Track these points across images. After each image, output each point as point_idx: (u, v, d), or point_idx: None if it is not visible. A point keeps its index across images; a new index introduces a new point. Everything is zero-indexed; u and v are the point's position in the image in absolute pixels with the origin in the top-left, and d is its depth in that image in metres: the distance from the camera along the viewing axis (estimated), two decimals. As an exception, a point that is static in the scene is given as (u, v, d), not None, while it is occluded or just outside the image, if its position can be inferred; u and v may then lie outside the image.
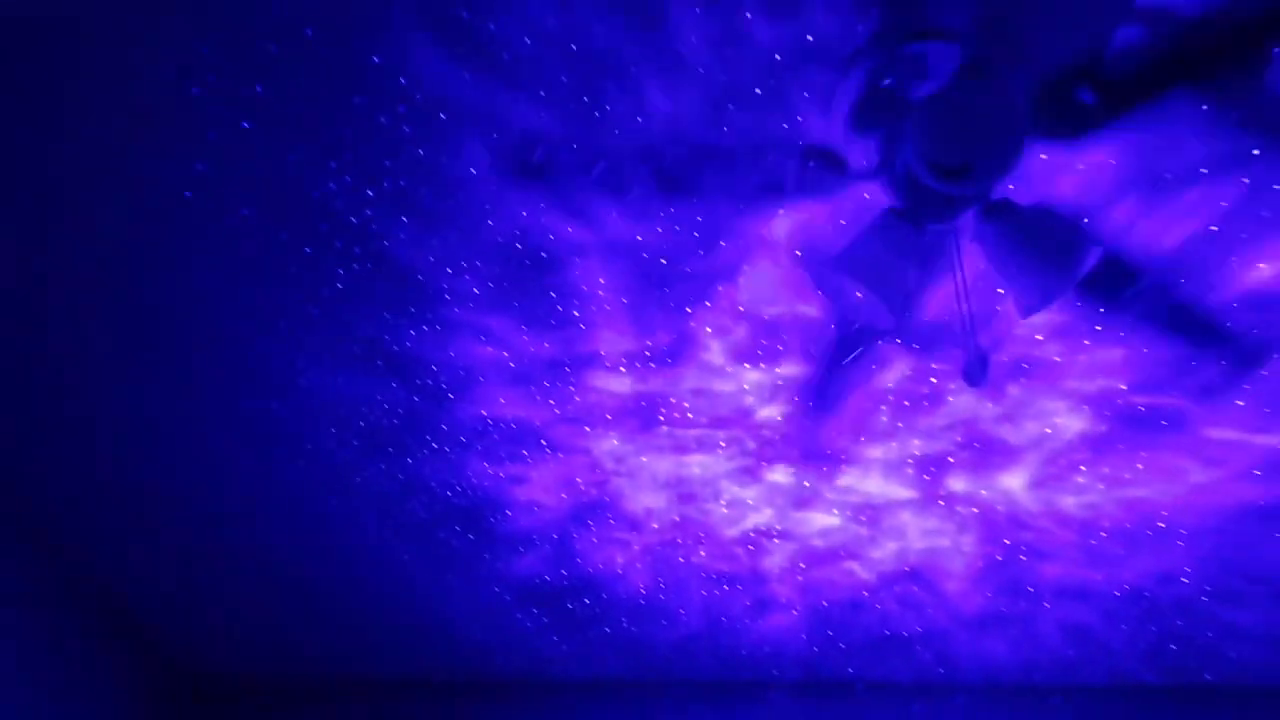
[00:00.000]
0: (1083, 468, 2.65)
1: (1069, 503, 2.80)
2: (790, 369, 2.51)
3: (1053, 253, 1.71)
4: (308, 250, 2.24)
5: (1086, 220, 2.01)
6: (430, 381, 2.63)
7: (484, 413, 2.74)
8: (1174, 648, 3.27)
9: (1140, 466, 2.62)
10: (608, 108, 1.87)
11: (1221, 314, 2.17)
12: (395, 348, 2.53)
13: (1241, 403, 2.35)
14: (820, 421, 2.62)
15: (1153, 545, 2.90)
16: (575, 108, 1.88)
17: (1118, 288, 2.14)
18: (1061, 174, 1.93)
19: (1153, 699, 3.49)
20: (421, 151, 1.97)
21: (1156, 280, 2.11)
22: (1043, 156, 1.88)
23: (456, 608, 3.68)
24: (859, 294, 1.86)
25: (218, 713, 4.31)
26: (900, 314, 1.78)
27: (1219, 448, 2.54)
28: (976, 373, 1.83)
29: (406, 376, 2.62)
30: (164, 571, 3.60)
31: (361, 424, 2.82)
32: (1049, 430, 2.57)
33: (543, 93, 1.85)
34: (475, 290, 2.33)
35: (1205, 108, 1.77)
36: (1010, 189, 1.95)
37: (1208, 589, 3.00)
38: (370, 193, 2.06)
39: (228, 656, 4.18)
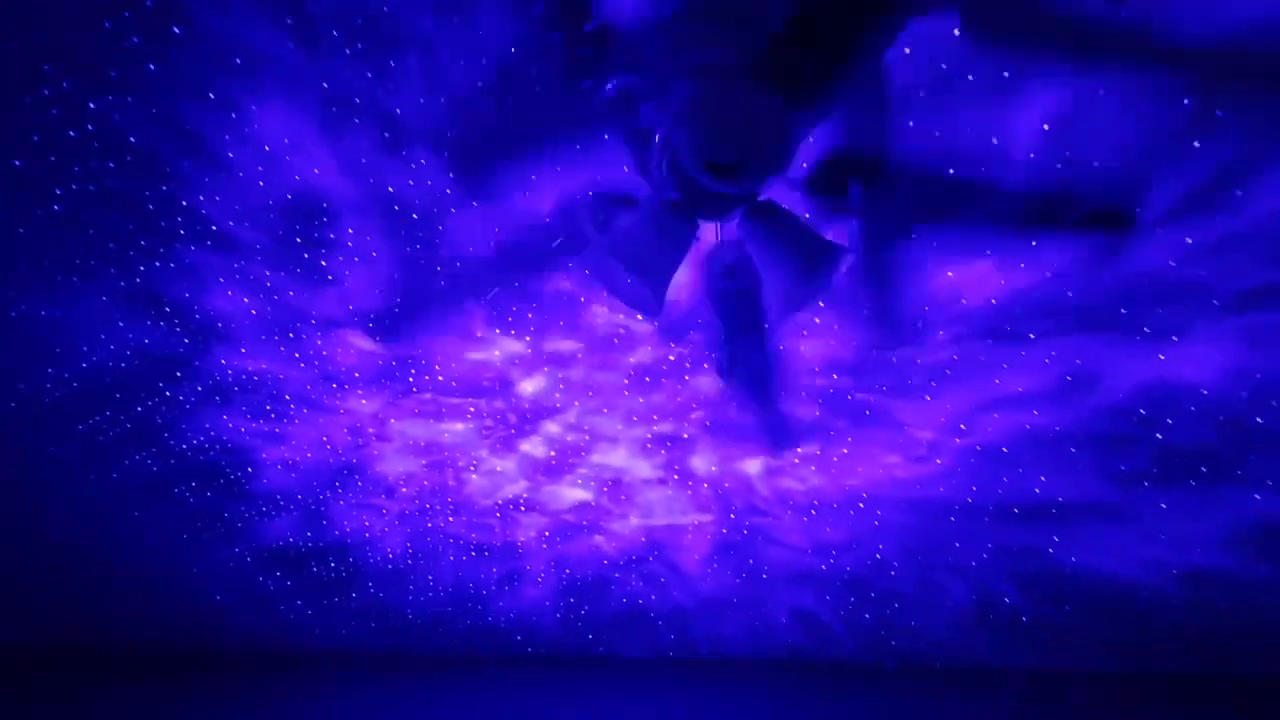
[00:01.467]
0: (799, 451, 2.89)
1: (793, 485, 3.04)
2: (552, 343, 2.56)
3: (810, 256, 1.83)
4: (17, 164, 2.04)
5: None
6: (164, 324, 2.47)
7: (224, 362, 2.60)
8: (867, 615, 3.61)
9: (846, 452, 2.88)
10: (392, 64, 1.83)
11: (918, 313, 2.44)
12: (123, 284, 2.35)
13: (929, 398, 2.64)
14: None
15: (869, 532, 3.20)
16: (324, 41, 1.83)
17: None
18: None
19: (853, 670, 3.85)
20: (153, 67, 1.85)
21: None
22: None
23: (192, 569, 3.47)
24: (628, 280, 1.92)
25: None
26: (662, 301, 1.85)
27: (921, 445, 2.84)
28: (727, 368, 1.93)
29: (136, 317, 2.44)
30: None
31: (84, 365, 2.60)
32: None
33: (295, 25, 1.79)
34: (214, 228, 2.21)
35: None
36: (776, 191, 2.09)
37: (908, 574, 3.34)
38: (92, 105, 1.91)
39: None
